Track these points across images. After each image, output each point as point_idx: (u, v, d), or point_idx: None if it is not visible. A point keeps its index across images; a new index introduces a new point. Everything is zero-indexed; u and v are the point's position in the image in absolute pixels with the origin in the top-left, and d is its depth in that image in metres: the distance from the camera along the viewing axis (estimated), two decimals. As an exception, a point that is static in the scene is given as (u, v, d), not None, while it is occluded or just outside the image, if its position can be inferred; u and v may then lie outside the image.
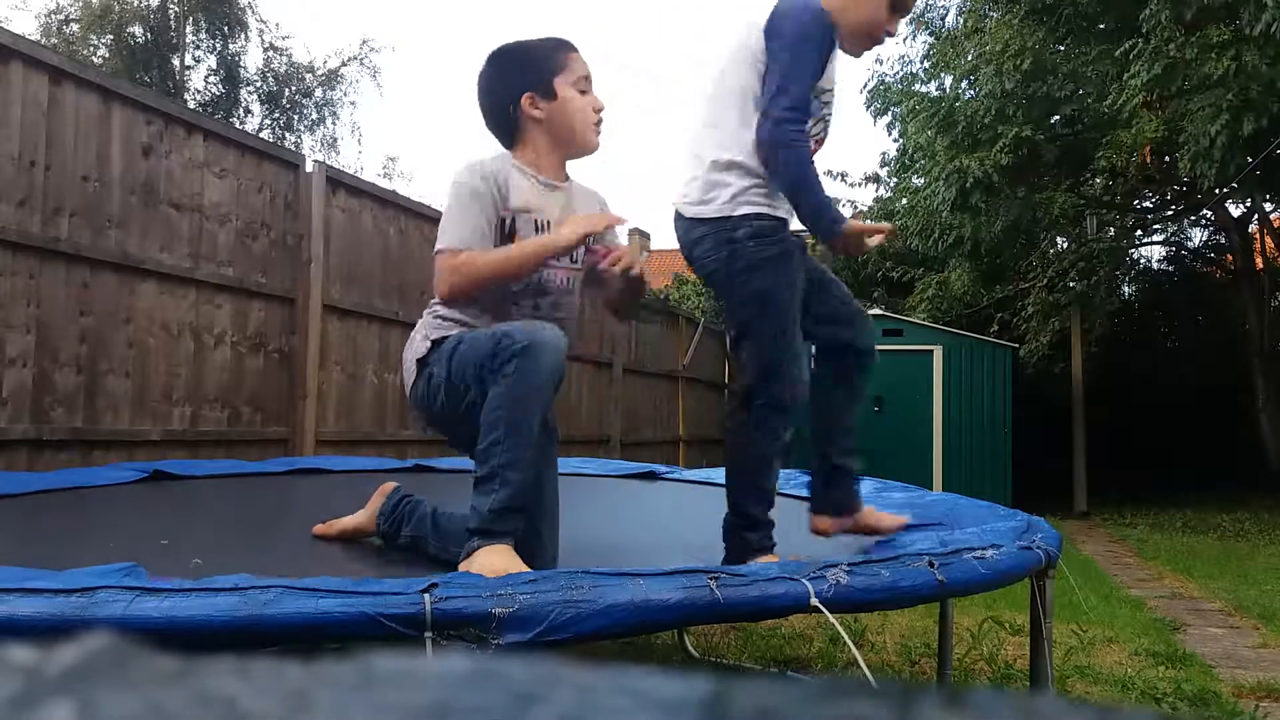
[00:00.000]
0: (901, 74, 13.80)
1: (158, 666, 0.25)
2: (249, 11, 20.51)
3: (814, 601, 1.52)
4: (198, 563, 1.95)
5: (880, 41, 2.22)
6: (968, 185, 10.58)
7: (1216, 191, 11.08)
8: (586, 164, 2.26)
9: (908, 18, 3.87)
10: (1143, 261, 16.80)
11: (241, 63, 20.96)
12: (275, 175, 5.03)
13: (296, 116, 21.67)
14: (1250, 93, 8.49)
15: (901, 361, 11.38)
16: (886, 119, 13.87)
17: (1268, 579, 5.95)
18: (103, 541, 2.38)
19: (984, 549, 1.88)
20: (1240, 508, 10.97)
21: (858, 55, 2.28)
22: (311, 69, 21.75)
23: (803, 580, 1.55)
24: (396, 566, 2.18)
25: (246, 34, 20.69)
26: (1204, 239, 16.04)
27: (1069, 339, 12.85)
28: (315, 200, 5.20)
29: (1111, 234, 13.38)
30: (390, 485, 2.37)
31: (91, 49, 19.44)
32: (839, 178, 15.79)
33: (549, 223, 2.11)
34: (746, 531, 2.12)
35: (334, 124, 22.42)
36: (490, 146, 2.22)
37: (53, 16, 19.38)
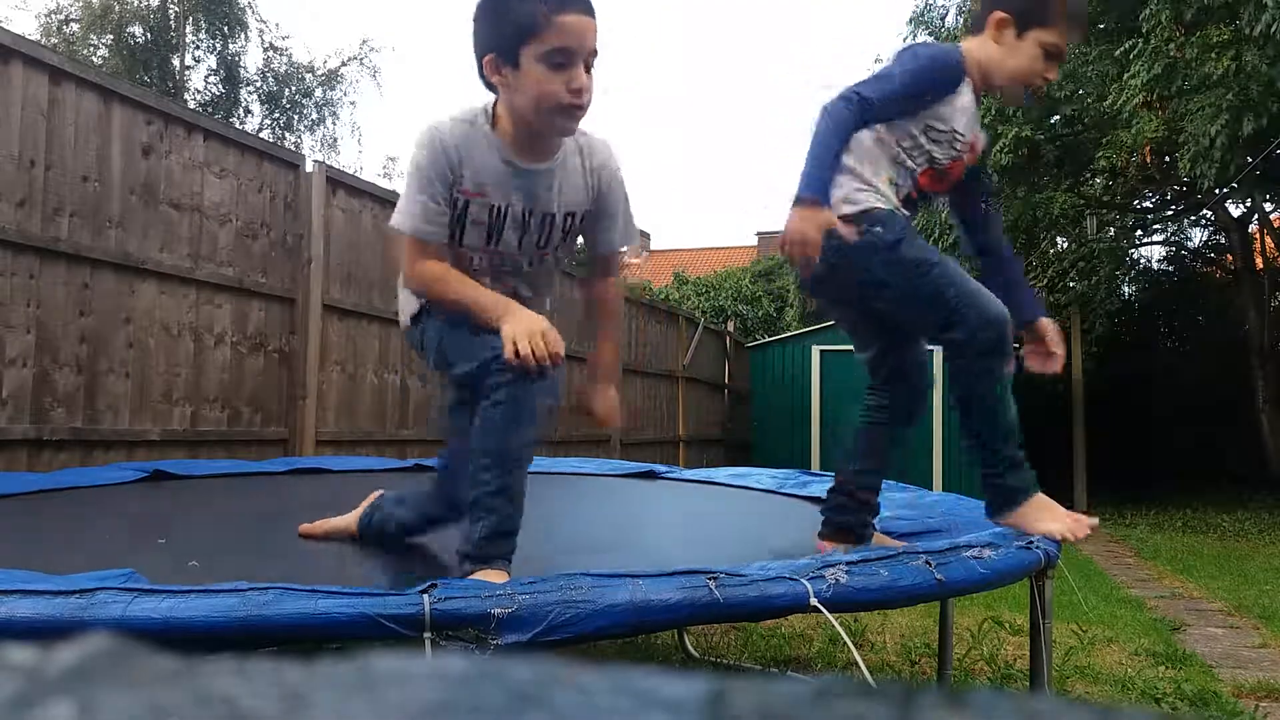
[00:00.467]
0: (901, 74, 13.78)
1: (158, 666, 0.25)
2: (249, 11, 20.52)
3: (813, 601, 1.52)
4: (194, 564, 1.95)
5: (1040, 89, 2.29)
6: (968, 185, 10.56)
7: (1216, 191, 11.08)
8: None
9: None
10: (1143, 261, 16.81)
11: (241, 63, 20.97)
12: (275, 175, 5.03)
13: (296, 116, 21.68)
14: (1250, 93, 8.49)
15: (901, 361, 11.33)
16: (886, 119, 13.85)
17: (1268, 579, 5.95)
18: (103, 542, 2.38)
19: (983, 549, 1.88)
20: (1240, 508, 10.97)
21: (1018, 104, 2.38)
22: (311, 69, 21.76)
23: (802, 580, 1.55)
24: (396, 567, 2.19)
25: (246, 34, 20.70)
26: (1204, 239, 16.06)
27: (1069, 339, 12.86)
28: (315, 200, 5.20)
29: (1111, 234, 13.38)
30: (380, 492, 2.34)
31: (91, 49, 19.44)
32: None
33: (506, 210, 1.87)
34: (1010, 473, 2.20)
35: (334, 124, 22.47)
36: None
37: (53, 16, 19.40)
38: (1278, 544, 8.10)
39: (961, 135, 2.23)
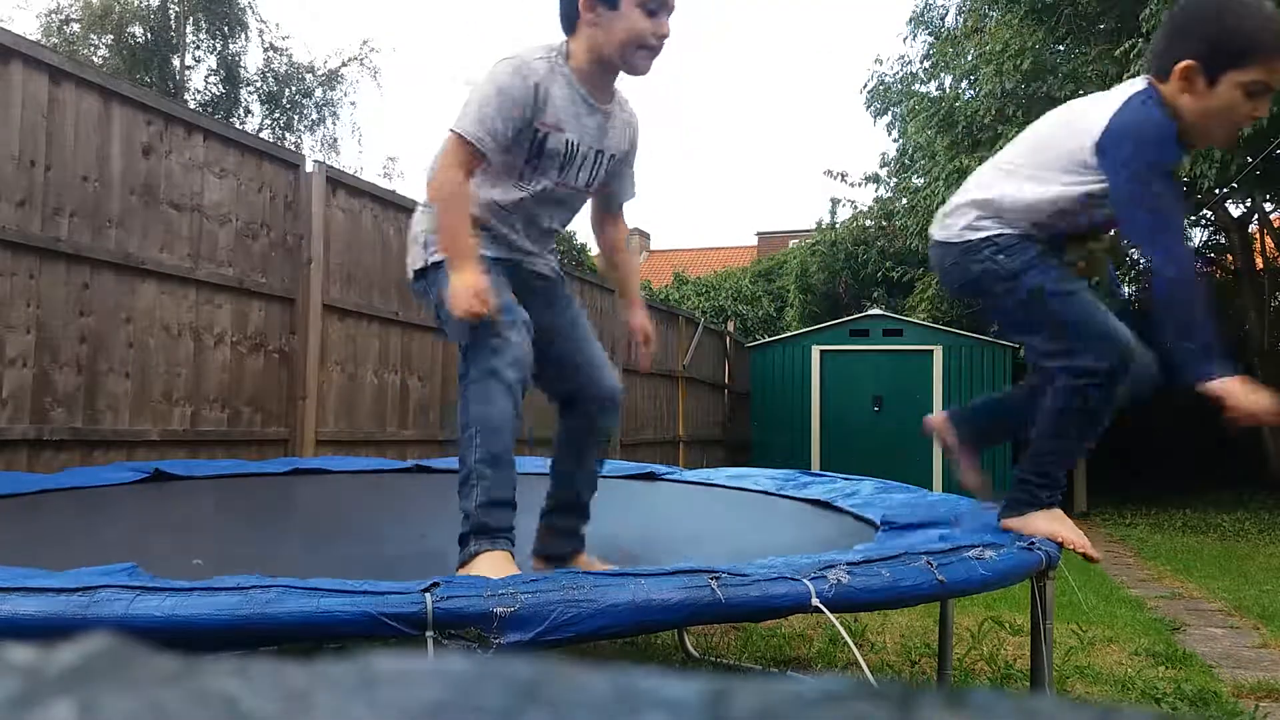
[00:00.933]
0: (901, 74, 13.79)
1: (158, 666, 0.25)
2: (249, 11, 20.52)
3: (815, 601, 1.52)
4: (198, 562, 1.95)
5: (1242, 125, 2.16)
6: (968, 185, 10.56)
7: (1216, 191, 11.08)
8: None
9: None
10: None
11: (241, 63, 20.96)
12: (275, 175, 5.03)
13: (297, 116, 21.67)
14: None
15: (901, 361, 11.37)
16: (887, 119, 13.86)
17: (1268, 579, 5.95)
18: (103, 541, 2.38)
19: (984, 549, 1.88)
20: (1240, 508, 10.97)
21: (1227, 146, 2.36)
22: (311, 69, 21.74)
23: (803, 580, 1.55)
24: (398, 566, 2.19)
25: (246, 34, 20.69)
26: (1204, 239, 16.04)
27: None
28: (315, 200, 5.20)
29: (1111, 234, 13.36)
30: None
31: (91, 49, 19.44)
32: (839, 178, 15.80)
33: (578, 144, 2.02)
34: (1041, 490, 2.26)
35: (334, 124, 22.39)
36: None
37: (53, 16, 19.39)
38: (1278, 544, 8.10)
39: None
